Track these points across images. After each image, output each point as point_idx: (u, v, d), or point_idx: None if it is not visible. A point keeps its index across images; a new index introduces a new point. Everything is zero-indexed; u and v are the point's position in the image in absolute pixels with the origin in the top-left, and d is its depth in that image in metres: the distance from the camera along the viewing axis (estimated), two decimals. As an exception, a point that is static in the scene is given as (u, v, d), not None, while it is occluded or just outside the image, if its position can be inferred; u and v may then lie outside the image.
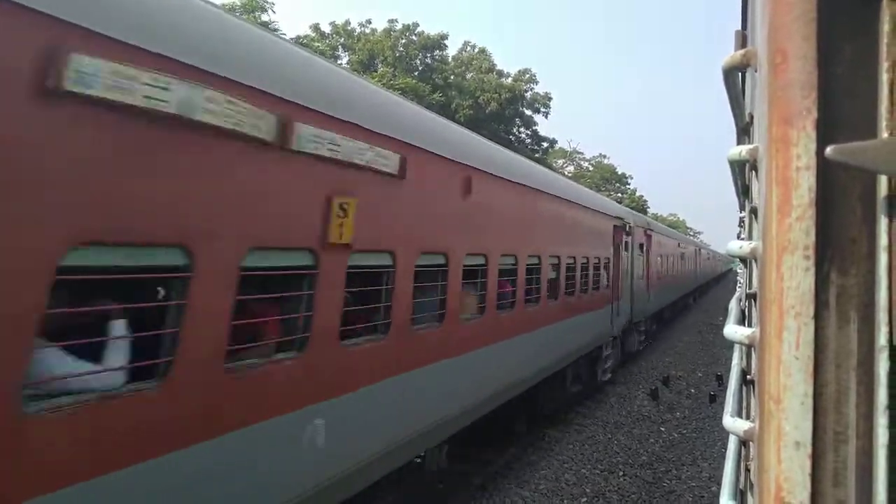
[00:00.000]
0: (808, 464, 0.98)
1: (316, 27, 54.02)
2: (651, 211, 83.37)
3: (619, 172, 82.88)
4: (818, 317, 0.99)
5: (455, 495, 8.97)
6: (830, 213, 1.00)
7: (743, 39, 2.32)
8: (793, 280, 0.99)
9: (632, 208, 31.69)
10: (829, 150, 0.90)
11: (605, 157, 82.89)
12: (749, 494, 2.15)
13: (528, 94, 58.33)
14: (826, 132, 0.98)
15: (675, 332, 30.20)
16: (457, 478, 9.39)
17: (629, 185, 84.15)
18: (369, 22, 54.97)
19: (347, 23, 54.64)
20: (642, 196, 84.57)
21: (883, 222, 0.98)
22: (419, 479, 7.42)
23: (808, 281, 0.99)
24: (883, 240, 0.98)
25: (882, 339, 0.97)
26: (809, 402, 0.98)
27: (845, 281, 1.00)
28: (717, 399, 16.27)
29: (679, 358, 23.48)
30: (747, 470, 2.29)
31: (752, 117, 2.24)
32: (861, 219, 1.00)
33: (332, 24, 54.23)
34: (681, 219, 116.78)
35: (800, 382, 0.99)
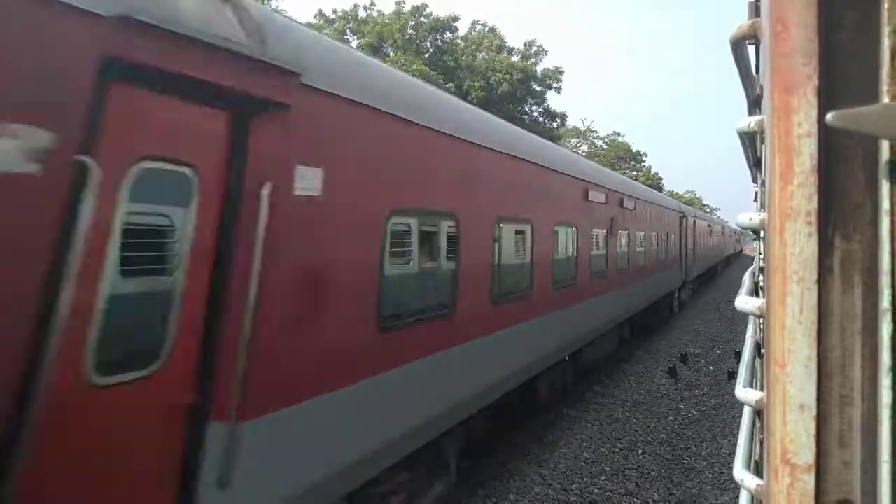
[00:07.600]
0: (812, 426, 1.00)
1: (320, 13, 54.14)
2: (666, 188, 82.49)
3: (634, 150, 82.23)
4: (822, 282, 1.00)
5: (476, 473, 9.06)
6: (833, 180, 1.01)
7: (756, 10, 2.29)
8: (796, 246, 1.00)
9: (647, 186, 30.10)
10: (829, 116, 0.91)
11: (619, 134, 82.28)
12: (764, 465, 2.17)
13: (539, 70, 57.94)
14: (827, 99, 0.98)
15: (693, 309, 30.03)
16: (477, 457, 9.47)
17: (644, 162, 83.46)
18: (373, 4, 54.87)
19: (354, 7, 54.63)
20: (657, 173, 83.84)
21: (885, 187, 0.98)
22: (438, 458, 7.51)
23: (811, 247, 1.00)
24: (886, 204, 0.98)
25: (886, 302, 0.98)
26: (813, 365, 1.00)
27: (849, 246, 1.01)
28: (735, 376, 16.17)
29: (697, 336, 23.37)
30: (762, 443, 2.30)
31: (762, 89, 2.22)
32: (864, 184, 1.01)
33: (335, 10, 54.48)
34: (697, 195, 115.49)
35: (804, 347, 1.00)
